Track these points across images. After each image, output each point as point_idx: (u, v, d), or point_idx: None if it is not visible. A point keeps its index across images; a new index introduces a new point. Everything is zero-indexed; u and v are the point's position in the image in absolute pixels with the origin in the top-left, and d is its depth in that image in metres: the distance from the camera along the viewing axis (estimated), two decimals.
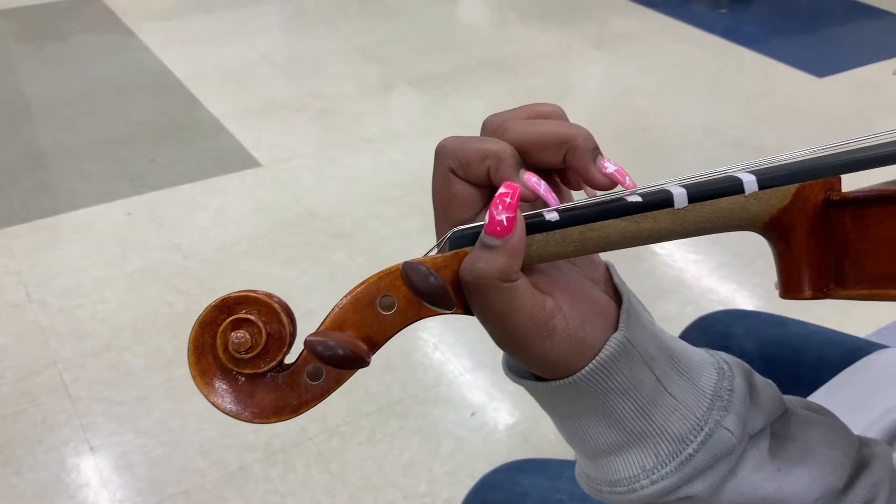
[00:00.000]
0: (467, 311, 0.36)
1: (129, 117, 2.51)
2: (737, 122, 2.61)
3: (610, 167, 0.36)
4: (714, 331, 0.88)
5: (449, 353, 1.65)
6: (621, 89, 2.86)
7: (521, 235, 0.34)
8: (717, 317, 0.91)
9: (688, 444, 0.38)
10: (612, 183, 0.36)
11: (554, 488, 0.70)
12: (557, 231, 0.35)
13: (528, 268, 0.36)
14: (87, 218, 2.03)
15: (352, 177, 2.25)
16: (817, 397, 0.75)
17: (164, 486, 1.38)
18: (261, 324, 0.33)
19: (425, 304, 0.35)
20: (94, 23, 3.19)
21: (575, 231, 0.35)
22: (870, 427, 0.69)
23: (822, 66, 3.01)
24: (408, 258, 0.35)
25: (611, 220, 0.35)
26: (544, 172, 0.38)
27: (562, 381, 0.37)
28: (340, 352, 0.32)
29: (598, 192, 0.37)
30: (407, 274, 0.34)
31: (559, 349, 0.35)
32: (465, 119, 2.54)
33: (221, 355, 0.33)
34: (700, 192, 0.36)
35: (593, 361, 0.36)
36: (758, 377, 0.42)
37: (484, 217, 0.34)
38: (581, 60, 3.11)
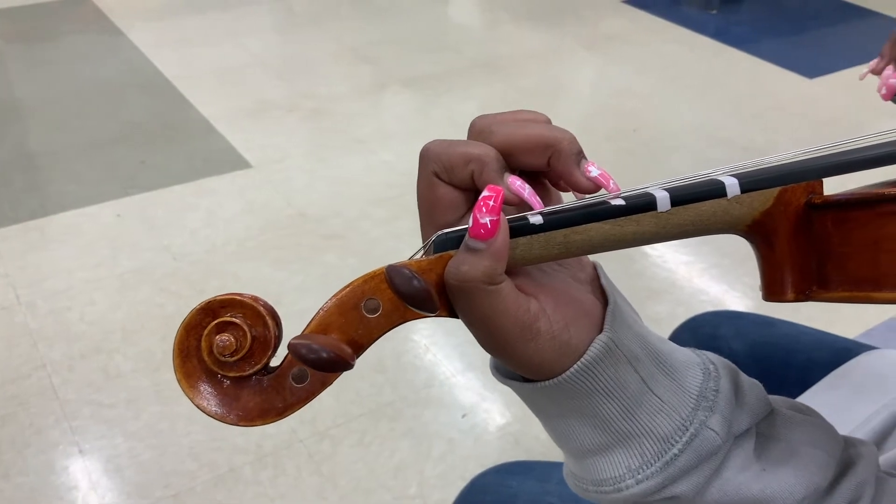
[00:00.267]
0: (452, 314, 0.36)
1: (119, 118, 2.50)
2: (727, 123, 2.62)
3: (594, 171, 0.36)
4: (703, 332, 0.88)
5: (440, 355, 1.65)
6: (612, 90, 2.87)
7: (505, 238, 0.34)
8: (707, 318, 0.91)
9: (673, 445, 0.38)
10: (595, 186, 0.36)
11: (543, 490, 0.70)
12: (541, 234, 0.35)
13: (512, 270, 0.36)
14: (77, 219, 2.02)
15: (343, 177, 2.25)
16: (806, 398, 0.76)
17: (153, 489, 1.37)
18: (246, 327, 0.33)
19: (409, 307, 0.35)
20: (84, 23, 3.17)
21: (559, 234, 0.35)
22: (858, 428, 0.69)
23: (811, 67, 3.02)
24: (399, 259, 0.35)
25: (594, 224, 0.35)
26: (530, 175, 0.38)
27: (547, 383, 0.37)
28: (324, 355, 0.32)
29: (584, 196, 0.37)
30: (391, 277, 0.34)
31: (544, 351, 0.35)
32: (457, 120, 2.54)
33: (206, 358, 0.33)
34: (683, 196, 0.36)
35: (578, 363, 0.36)
36: (744, 377, 0.42)
37: (468, 220, 0.34)
38: (572, 61, 3.11)
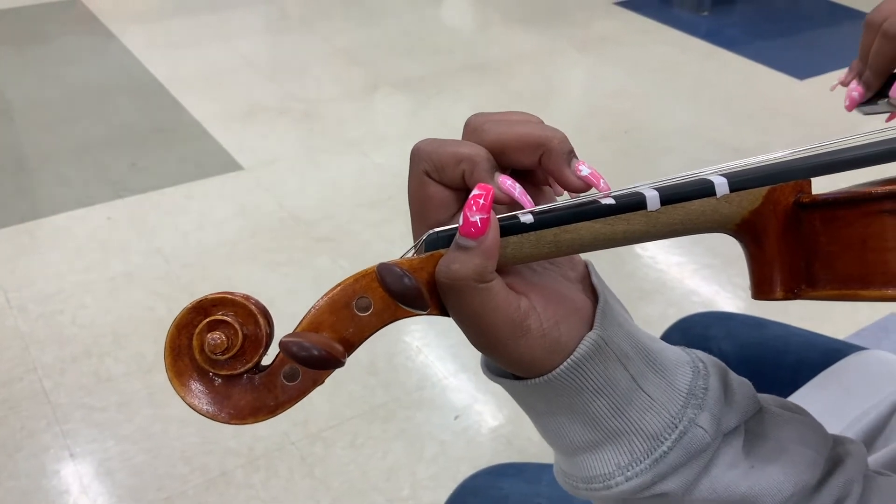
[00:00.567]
0: (443, 312, 0.36)
1: (109, 121, 2.49)
2: (719, 125, 2.63)
3: (584, 170, 0.36)
4: (694, 333, 0.89)
5: (432, 356, 1.65)
6: (604, 92, 2.88)
7: (496, 237, 0.34)
8: (697, 319, 0.91)
9: (662, 442, 0.38)
10: (586, 185, 0.36)
11: (534, 492, 0.70)
12: (532, 233, 0.36)
13: (503, 269, 0.36)
14: (68, 222, 2.01)
15: (335, 180, 2.24)
16: (795, 399, 0.76)
17: (145, 492, 1.37)
18: (237, 325, 0.34)
19: (400, 305, 0.35)
20: (74, 25, 3.16)
21: (549, 233, 0.36)
22: (848, 428, 0.69)
23: (802, 69, 3.03)
24: (390, 259, 0.35)
25: (585, 223, 0.36)
26: (522, 175, 0.38)
27: (537, 380, 0.37)
28: (315, 353, 0.33)
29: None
30: (382, 275, 0.34)
31: (534, 349, 0.36)
32: (448, 122, 2.54)
33: (198, 357, 0.34)
34: (672, 195, 0.36)
35: (567, 360, 0.37)
36: (733, 376, 0.42)
37: (459, 219, 0.34)
38: (564, 63, 3.12)
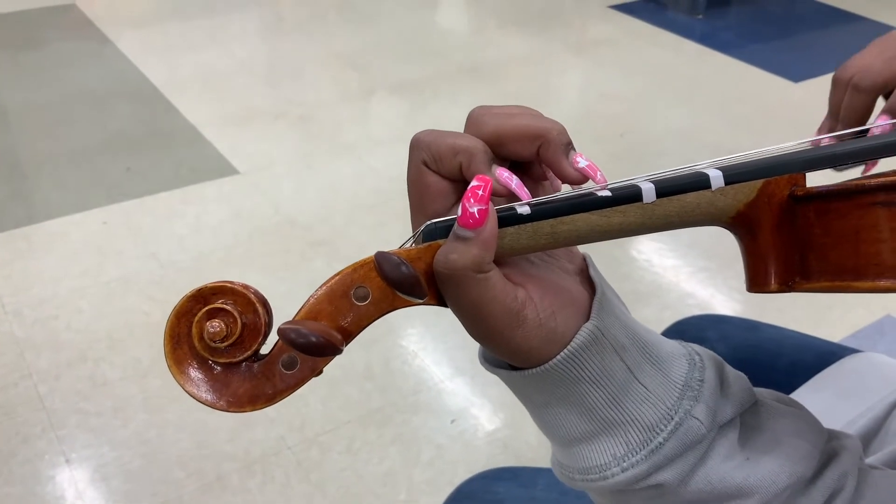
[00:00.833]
0: (441, 302, 0.36)
1: (105, 125, 2.49)
2: (713, 127, 2.63)
3: (582, 162, 0.37)
4: (688, 336, 0.88)
5: (429, 360, 1.65)
6: (599, 95, 2.88)
7: (494, 227, 0.35)
8: (692, 322, 0.92)
9: (658, 433, 0.38)
10: (583, 177, 0.37)
11: (529, 496, 0.70)
12: (529, 224, 0.36)
13: (500, 260, 0.37)
14: (63, 227, 2.01)
15: (331, 184, 2.24)
16: None
17: (140, 498, 1.36)
18: (236, 313, 0.34)
19: (398, 293, 0.35)
20: (70, 30, 3.16)
21: (546, 224, 0.36)
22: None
23: (797, 71, 3.04)
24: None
25: (581, 214, 0.36)
26: (520, 168, 0.39)
27: (533, 371, 0.38)
28: (314, 339, 0.33)
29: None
30: (380, 264, 0.35)
31: (531, 339, 0.36)
32: (444, 125, 2.49)
33: (197, 344, 0.34)
34: (668, 187, 0.37)
35: (564, 350, 0.37)
36: (729, 369, 0.43)
37: (457, 209, 0.35)
38: (560, 66, 3.12)
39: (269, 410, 0.35)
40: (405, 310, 0.38)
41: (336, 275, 0.35)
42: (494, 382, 0.41)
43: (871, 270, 0.34)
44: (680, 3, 3.62)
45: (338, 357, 0.34)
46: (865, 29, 3.57)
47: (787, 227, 0.37)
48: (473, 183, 0.34)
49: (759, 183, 0.37)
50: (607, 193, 0.36)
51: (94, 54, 2.98)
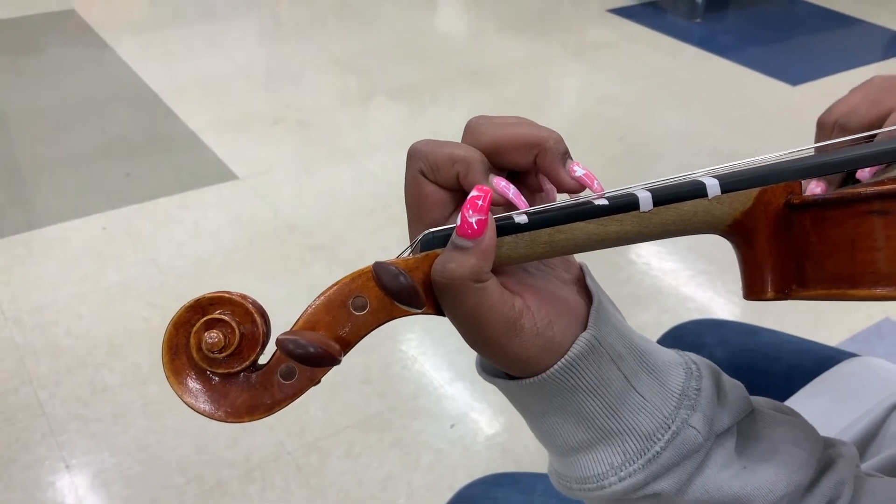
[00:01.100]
0: (438, 312, 0.37)
1: (104, 131, 2.49)
2: (712, 131, 2.64)
3: (579, 171, 0.37)
4: (687, 340, 0.89)
5: (428, 365, 1.65)
6: (598, 98, 2.88)
7: (492, 237, 0.35)
8: (690, 326, 0.92)
9: (655, 442, 0.38)
10: (580, 186, 0.37)
11: (527, 502, 0.71)
12: (526, 233, 0.36)
13: (498, 269, 0.37)
14: (63, 233, 2.01)
15: (330, 189, 2.25)
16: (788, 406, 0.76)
17: (140, 503, 1.36)
18: (234, 324, 0.34)
19: (396, 303, 0.35)
20: (70, 36, 3.17)
21: (543, 233, 0.36)
22: (840, 435, 0.69)
23: (795, 75, 3.05)
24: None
25: (578, 223, 0.36)
26: (517, 177, 0.39)
27: (531, 380, 0.38)
28: (311, 350, 0.33)
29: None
30: (377, 274, 0.35)
31: (528, 348, 0.36)
32: (442, 130, 2.55)
33: (195, 355, 0.34)
34: (664, 196, 0.37)
35: (561, 360, 0.37)
36: (726, 377, 0.43)
37: (455, 219, 0.35)
38: (558, 70, 3.13)
39: (269, 416, 0.35)
40: None
41: (334, 285, 0.35)
42: (494, 387, 0.41)
43: (867, 279, 0.34)
44: (678, 7, 3.63)
45: None
46: (863, 32, 3.57)
47: (784, 235, 0.37)
48: (473, 193, 0.34)
49: (755, 191, 0.37)
50: (604, 202, 0.36)
51: (93, 60, 2.98)
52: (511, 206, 0.37)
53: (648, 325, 1.76)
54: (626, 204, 0.36)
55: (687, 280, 1.94)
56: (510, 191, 0.36)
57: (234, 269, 1.91)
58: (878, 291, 0.34)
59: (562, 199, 0.39)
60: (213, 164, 2.33)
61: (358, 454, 1.46)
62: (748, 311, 1.82)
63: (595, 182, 0.37)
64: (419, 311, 0.36)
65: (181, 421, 1.50)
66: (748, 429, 0.42)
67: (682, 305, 1.86)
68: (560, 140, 0.37)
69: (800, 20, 3.75)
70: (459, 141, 0.38)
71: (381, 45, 3.22)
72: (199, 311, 0.34)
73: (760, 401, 0.45)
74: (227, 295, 0.34)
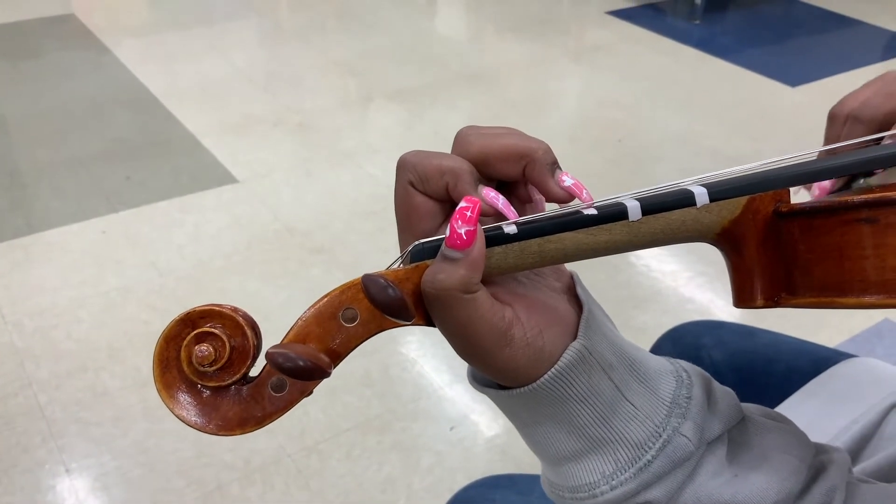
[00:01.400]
0: (428, 323, 0.37)
1: (104, 134, 2.50)
2: (712, 133, 2.64)
3: (567, 181, 0.37)
4: (685, 342, 0.89)
5: (428, 367, 1.65)
6: (597, 101, 2.89)
7: (481, 248, 0.35)
8: (688, 328, 0.92)
9: (646, 451, 0.39)
10: (569, 196, 0.37)
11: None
12: (516, 243, 0.36)
13: (487, 279, 0.37)
14: (62, 237, 2.01)
15: (330, 192, 2.25)
16: (786, 407, 0.76)
17: None
18: (225, 337, 0.34)
19: (386, 315, 0.35)
20: (69, 40, 3.17)
21: (533, 243, 0.36)
22: (837, 436, 0.69)
23: (794, 76, 3.05)
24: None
25: (568, 233, 0.36)
26: (506, 188, 0.39)
27: (521, 389, 0.38)
28: (301, 363, 0.33)
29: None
30: (367, 287, 0.35)
31: (518, 358, 0.36)
32: (442, 132, 2.55)
33: (186, 368, 0.34)
34: (653, 205, 0.37)
35: (552, 369, 0.37)
36: (716, 385, 0.43)
37: (444, 230, 0.35)
38: (557, 72, 3.13)
39: (260, 429, 0.35)
40: None
41: (324, 297, 0.35)
42: None
43: (856, 286, 0.34)
44: (677, 9, 3.63)
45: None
46: (863, 33, 3.57)
47: (772, 243, 0.37)
48: (462, 204, 0.34)
49: (743, 199, 0.37)
50: (593, 212, 0.36)
51: (92, 64, 2.98)
52: (500, 217, 0.37)
53: (648, 326, 1.76)
54: (614, 213, 0.36)
55: (686, 282, 1.94)
56: (499, 201, 0.36)
57: (234, 272, 1.91)
58: (867, 299, 0.34)
59: (551, 209, 0.39)
60: (212, 167, 2.34)
61: (358, 456, 1.46)
62: (748, 313, 1.82)
63: (584, 192, 0.37)
64: (409, 322, 0.36)
65: (181, 424, 1.49)
66: (739, 436, 0.42)
67: (681, 307, 1.86)
68: (549, 150, 0.37)
69: (799, 21, 3.75)
70: (449, 151, 0.38)
71: (380, 48, 3.23)
72: (190, 325, 0.34)
73: (751, 408, 0.45)
74: (217, 308, 0.34)
